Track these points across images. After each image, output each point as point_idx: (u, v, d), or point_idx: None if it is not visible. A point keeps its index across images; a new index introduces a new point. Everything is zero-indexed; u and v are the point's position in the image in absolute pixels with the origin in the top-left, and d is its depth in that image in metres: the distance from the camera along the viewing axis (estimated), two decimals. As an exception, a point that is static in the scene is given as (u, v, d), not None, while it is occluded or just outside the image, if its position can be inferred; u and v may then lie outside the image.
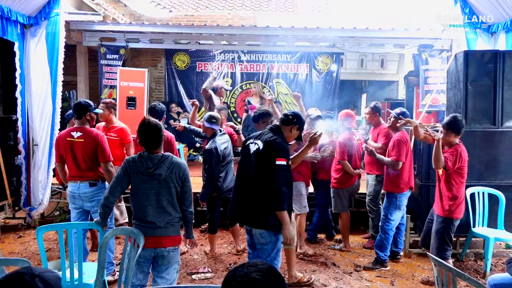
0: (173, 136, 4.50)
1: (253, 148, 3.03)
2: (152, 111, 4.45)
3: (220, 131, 4.38)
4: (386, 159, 4.20)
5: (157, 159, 2.69)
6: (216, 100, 6.00)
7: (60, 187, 4.79)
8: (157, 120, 2.82)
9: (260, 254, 3.07)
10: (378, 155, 4.29)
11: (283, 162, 2.89)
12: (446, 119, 3.76)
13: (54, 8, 5.02)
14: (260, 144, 2.98)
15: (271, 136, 2.99)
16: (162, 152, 2.77)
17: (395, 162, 4.09)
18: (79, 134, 3.61)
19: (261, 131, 3.16)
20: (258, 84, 8.75)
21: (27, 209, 5.25)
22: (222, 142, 4.28)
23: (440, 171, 3.70)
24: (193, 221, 2.92)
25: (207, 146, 4.31)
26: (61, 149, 3.68)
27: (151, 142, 2.71)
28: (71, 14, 6.67)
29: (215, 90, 6.05)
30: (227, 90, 6.18)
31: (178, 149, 6.73)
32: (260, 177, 2.93)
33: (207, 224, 4.63)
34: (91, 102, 3.77)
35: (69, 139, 3.62)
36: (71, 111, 4.62)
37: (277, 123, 3.15)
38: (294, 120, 3.07)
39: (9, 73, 5.22)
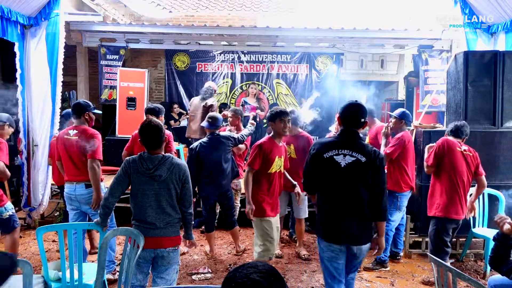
0: (171, 134, 4.50)
1: (345, 161, 2.64)
2: (152, 110, 4.46)
3: (217, 134, 4.37)
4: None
5: (157, 160, 2.70)
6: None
7: (57, 188, 4.79)
8: (158, 121, 2.84)
9: (354, 272, 2.91)
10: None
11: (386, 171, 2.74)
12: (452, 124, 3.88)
13: (54, 9, 5.02)
14: (359, 156, 2.63)
15: (365, 144, 2.71)
16: (163, 153, 2.77)
17: (385, 155, 4.11)
18: (75, 132, 3.64)
19: (341, 140, 2.71)
20: (256, 85, 8.79)
21: (27, 210, 5.24)
22: (209, 145, 4.29)
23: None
24: (193, 222, 2.92)
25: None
26: (59, 147, 3.72)
27: (152, 142, 2.73)
28: (71, 14, 6.67)
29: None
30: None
31: (178, 150, 6.74)
32: (364, 189, 2.65)
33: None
34: (90, 103, 3.78)
35: (66, 137, 3.66)
36: (66, 110, 4.63)
37: (351, 128, 2.74)
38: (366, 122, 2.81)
39: (9, 73, 5.22)
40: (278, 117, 3.54)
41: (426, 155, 3.95)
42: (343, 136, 2.72)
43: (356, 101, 2.81)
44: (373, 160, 2.64)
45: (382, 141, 4.30)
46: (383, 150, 4.18)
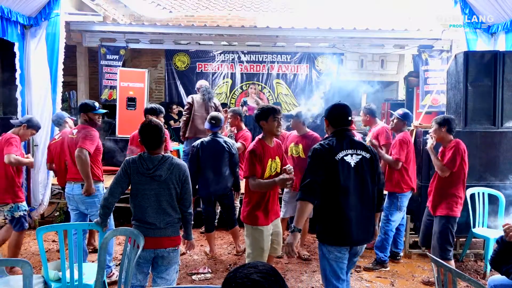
0: (167, 132, 4.50)
1: (353, 160, 2.64)
2: (151, 111, 4.47)
3: (217, 134, 4.36)
4: (387, 156, 4.25)
5: (157, 160, 2.70)
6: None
7: (61, 189, 4.79)
8: (158, 121, 2.85)
9: (350, 269, 2.95)
10: (381, 151, 4.29)
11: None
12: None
13: (54, 9, 5.02)
14: (363, 153, 2.67)
15: (360, 141, 2.80)
16: (162, 153, 2.78)
17: (394, 161, 4.15)
18: (76, 131, 3.73)
19: (341, 141, 2.68)
20: (256, 85, 8.79)
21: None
22: (210, 146, 4.26)
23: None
24: (192, 222, 2.93)
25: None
26: (64, 147, 3.84)
27: (152, 142, 2.73)
28: (71, 14, 6.67)
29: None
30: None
31: (178, 150, 6.74)
32: (371, 185, 2.69)
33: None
34: (91, 104, 3.78)
35: (70, 136, 3.76)
36: (57, 112, 4.67)
37: (344, 127, 2.76)
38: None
39: (9, 73, 5.22)
40: (271, 114, 3.18)
41: (433, 158, 3.76)
42: (341, 136, 2.71)
43: (339, 101, 2.89)
44: (374, 154, 2.76)
45: (382, 151, 4.32)
46: (392, 156, 4.18)
